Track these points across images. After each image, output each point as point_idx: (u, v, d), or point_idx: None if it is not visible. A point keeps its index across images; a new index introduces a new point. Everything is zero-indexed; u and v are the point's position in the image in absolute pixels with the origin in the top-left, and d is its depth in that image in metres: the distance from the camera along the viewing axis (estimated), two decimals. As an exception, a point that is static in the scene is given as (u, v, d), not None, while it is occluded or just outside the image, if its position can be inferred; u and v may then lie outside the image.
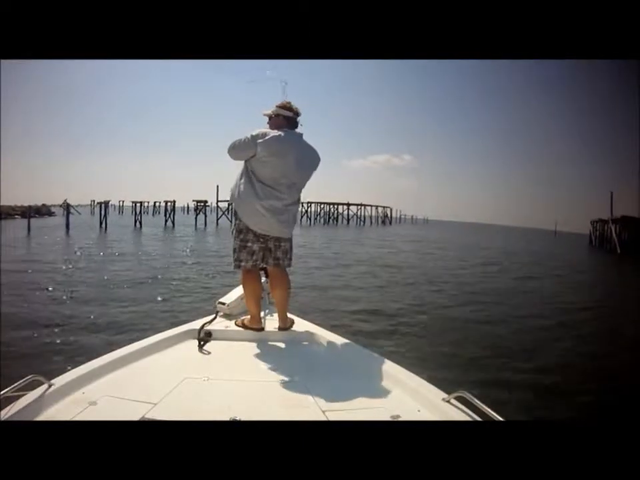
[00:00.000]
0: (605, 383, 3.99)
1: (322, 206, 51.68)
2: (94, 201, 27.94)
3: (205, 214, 31.92)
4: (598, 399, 3.60)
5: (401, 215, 77.95)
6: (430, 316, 6.46)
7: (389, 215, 62.97)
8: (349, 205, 54.91)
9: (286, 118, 2.19)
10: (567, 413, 3.28)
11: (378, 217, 59.75)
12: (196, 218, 31.23)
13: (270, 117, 2.23)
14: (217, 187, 37.05)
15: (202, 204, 32.90)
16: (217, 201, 35.88)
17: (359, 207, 56.26)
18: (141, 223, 26.05)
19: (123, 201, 54.62)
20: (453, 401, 1.37)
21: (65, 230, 20.80)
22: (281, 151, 2.07)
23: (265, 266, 2.30)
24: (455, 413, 1.31)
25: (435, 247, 21.36)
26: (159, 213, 35.18)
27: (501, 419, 1.15)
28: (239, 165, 2.20)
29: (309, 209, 47.10)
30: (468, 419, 1.27)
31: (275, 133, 2.10)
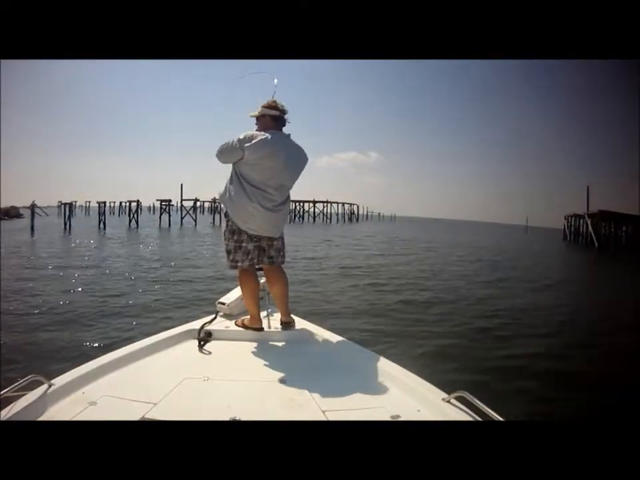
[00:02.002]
0: (604, 383, 3.98)
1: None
2: (61, 202, 27.21)
3: (169, 213, 31.38)
4: (598, 399, 3.60)
5: (367, 212, 76.74)
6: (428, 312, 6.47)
7: (355, 212, 61.80)
8: (314, 202, 53.51)
9: (273, 117, 2.17)
10: (567, 413, 3.28)
11: (344, 214, 58.43)
12: (160, 218, 30.79)
13: (257, 118, 2.21)
14: (181, 185, 36.54)
15: (166, 203, 32.42)
16: (181, 200, 35.19)
17: (325, 204, 54.86)
18: (104, 223, 25.63)
19: (90, 202, 53.33)
20: (453, 400, 1.37)
21: (29, 233, 19.85)
22: (269, 154, 2.06)
23: (261, 265, 2.31)
24: (455, 412, 1.31)
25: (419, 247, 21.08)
26: (125, 213, 34.56)
27: (500, 419, 1.15)
28: (216, 167, 2.21)
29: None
30: (468, 418, 1.27)
31: (262, 135, 2.07)
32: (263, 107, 2.19)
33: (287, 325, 2.24)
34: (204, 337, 2.04)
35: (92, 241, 17.03)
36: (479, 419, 1.23)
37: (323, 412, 1.37)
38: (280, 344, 2.11)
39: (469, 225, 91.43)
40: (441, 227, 64.28)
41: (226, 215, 2.19)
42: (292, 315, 2.31)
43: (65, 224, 23.34)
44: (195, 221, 32.76)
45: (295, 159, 2.20)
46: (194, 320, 2.27)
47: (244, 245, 2.17)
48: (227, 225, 2.19)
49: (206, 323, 2.17)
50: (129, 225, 27.89)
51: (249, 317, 2.24)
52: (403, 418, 1.33)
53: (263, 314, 2.31)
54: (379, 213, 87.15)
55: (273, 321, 2.31)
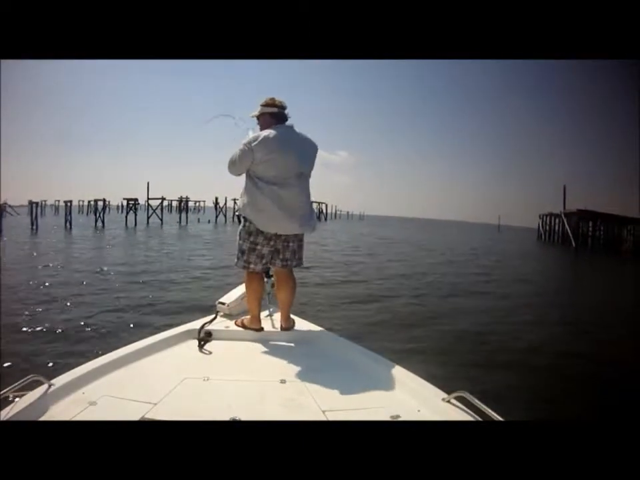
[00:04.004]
0: (604, 383, 3.98)
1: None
2: (31, 201, 26.66)
3: (135, 212, 30.89)
4: (598, 399, 3.60)
5: (336, 211, 75.34)
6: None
7: (324, 210, 60.61)
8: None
9: (271, 114, 2.17)
10: (566, 413, 3.28)
11: (313, 213, 57.66)
12: (126, 217, 30.32)
13: (258, 118, 2.22)
14: (148, 184, 35.36)
15: (132, 202, 31.82)
16: (148, 199, 34.51)
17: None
18: (71, 223, 25.22)
19: (58, 201, 50.67)
20: (453, 400, 1.37)
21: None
22: (279, 147, 2.06)
23: (269, 267, 2.30)
24: (455, 412, 1.31)
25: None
26: (92, 212, 33.79)
27: (500, 419, 1.15)
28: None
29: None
30: (468, 418, 1.27)
31: (266, 132, 2.09)
32: (261, 105, 2.20)
33: (287, 330, 2.24)
34: (204, 337, 2.04)
35: (39, 249, 14.03)
36: (479, 418, 1.23)
37: (323, 412, 1.37)
38: (280, 344, 2.11)
39: (439, 224, 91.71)
40: (410, 226, 63.92)
41: (244, 218, 2.18)
42: (292, 316, 2.31)
43: (32, 224, 22.94)
44: (162, 220, 32.12)
45: (305, 147, 2.18)
46: (194, 320, 2.27)
47: (259, 248, 2.16)
48: (244, 226, 2.18)
49: (206, 323, 2.17)
50: (95, 224, 27.42)
51: (248, 317, 2.24)
52: (403, 418, 1.33)
53: (263, 314, 2.31)
54: (348, 212, 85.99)
55: (273, 321, 2.31)
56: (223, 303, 2.41)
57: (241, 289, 2.48)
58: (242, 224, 2.20)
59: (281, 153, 2.06)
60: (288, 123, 2.20)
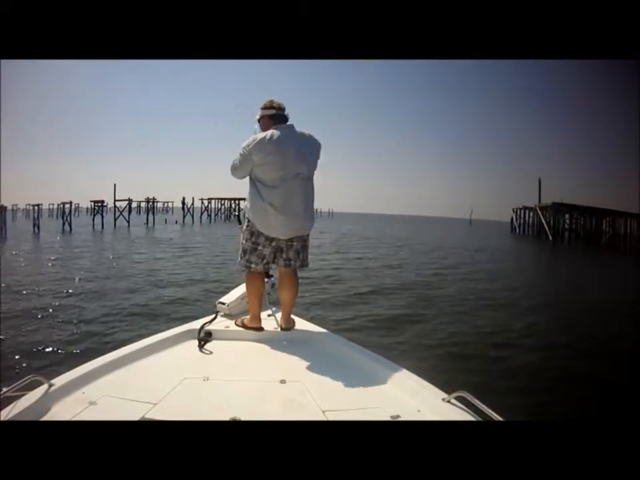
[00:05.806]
0: (604, 383, 3.98)
1: (222, 202, 47.61)
2: (1, 206, 25.55)
3: (102, 215, 30.78)
4: (598, 399, 3.60)
5: None
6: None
7: None
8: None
9: (270, 116, 2.18)
10: (566, 413, 3.28)
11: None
12: (93, 219, 30.24)
13: (259, 121, 2.23)
14: (114, 185, 35.07)
15: (99, 204, 31.77)
16: (115, 200, 34.30)
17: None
18: (39, 227, 25.00)
19: (29, 204, 49.08)
20: (453, 400, 1.37)
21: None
22: (275, 148, 2.06)
23: (269, 267, 2.30)
24: (455, 412, 1.31)
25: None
26: (60, 215, 32.84)
27: (500, 419, 1.15)
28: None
29: (209, 206, 44.01)
30: (468, 418, 1.27)
31: (262, 134, 2.10)
32: (260, 108, 2.21)
33: (287, 330, 2.24)
34: (204, 337, 2.04)
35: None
36: (479, 418, 1.23)
37: (323, 412, 1.37)
38: (280, 344, 2.11)
39: (409, 220, 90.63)
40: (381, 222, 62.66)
41: (247, 220, 2.20)
42: (292, 316, 2.31)
43: (1, 229, 22.82)
44: (128, 222, 31.64)
45: (304, 147, 2.16)
46: (194, 320, 2.27)
47: (260, 248, 2.17)
48: (247, 226, 2.20)
49: (206, 323, 2.17)
50: (63, 228, 26.72)
51: (249, 317, 2.24)
52: (403, 418, 1.33)
53: (264, 314, 2.31)
54: (316, 209, 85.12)
55: (273, 321, 2.31)
56: (223, 303, 2.41)
57: (241, 289, 2.48)
58: (245, 224, 2.22)
59: (277, 155, 2.06)
60: (289, 123, 2.19)
